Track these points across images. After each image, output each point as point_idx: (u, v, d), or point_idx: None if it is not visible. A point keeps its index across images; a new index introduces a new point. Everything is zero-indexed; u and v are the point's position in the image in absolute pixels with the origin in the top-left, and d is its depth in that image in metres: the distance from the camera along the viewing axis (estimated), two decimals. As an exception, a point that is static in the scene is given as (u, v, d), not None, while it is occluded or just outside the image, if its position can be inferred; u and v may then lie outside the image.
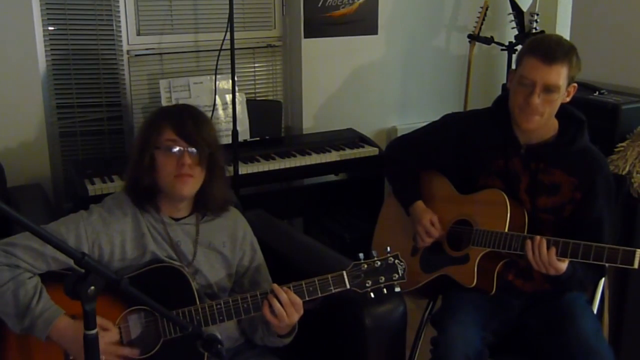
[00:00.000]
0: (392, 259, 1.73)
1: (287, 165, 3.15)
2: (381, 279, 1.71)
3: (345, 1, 3.58)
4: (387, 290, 1.72)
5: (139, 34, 3.24)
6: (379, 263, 1.72)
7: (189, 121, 1.73)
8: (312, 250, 2.22)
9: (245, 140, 3.22)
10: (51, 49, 3.04)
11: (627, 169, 2.51)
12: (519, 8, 3.65)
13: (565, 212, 2.05)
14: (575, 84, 2.01)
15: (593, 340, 1.93)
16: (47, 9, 2.99)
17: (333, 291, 1.70)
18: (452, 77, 4.02)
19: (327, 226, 3.42)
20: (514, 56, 3.64)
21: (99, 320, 1.30)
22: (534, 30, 3.64)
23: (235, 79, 2.89)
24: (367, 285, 1.71)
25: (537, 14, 3.66)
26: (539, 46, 1.95)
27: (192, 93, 3.14)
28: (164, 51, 3.30)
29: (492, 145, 2.11)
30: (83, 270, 1.26)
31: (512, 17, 3.69)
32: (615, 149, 2.59)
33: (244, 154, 3.13)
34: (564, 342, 1.95)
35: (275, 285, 1.67)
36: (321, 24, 3.55)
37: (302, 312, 1.69)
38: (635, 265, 1.77)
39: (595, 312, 2.16)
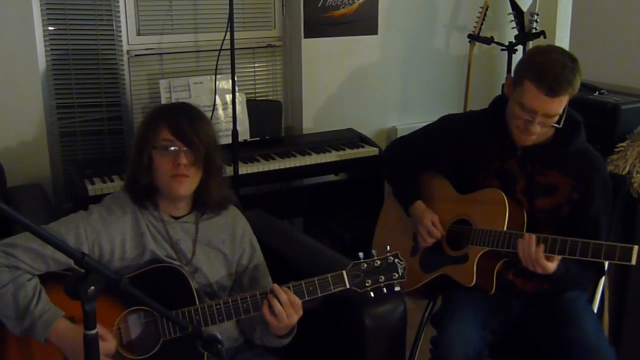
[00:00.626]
0: (392, 258, 1.73)
1: (287, 165, 3.15)
2: (381, 278, 1.71)
3: (345, 1, 3.58)
4: (386, 290, 1.72)
5: (139, 34, 3.24)
6: (379, 262, 1.72)
7: (185, 121, 1.73)
8: (312, 250, 2.22)
9: (245, 140, 3.22)
10: (51, 49, 3.04)
11: (627, 169, 2.51)
12: (519, 8, 3.64)
13: (563, 213, 2.05)
14: None
15: (594, 339, 1.93)
16: (47, 9, 2.99)
17: (333, 291, 1.69)
18: (452, 77, 4.02)
19: (327, 226, 3.42)
20: (514, 56, 3.66)
21: (98, 329, 1.30)
22: (534, 30, 3.64)
23: (235, 79, 2.89)
24: (367, 284, 1.71)
25: (537, 14, 3.66)
26: (544, 77, 1.87)
27: (192, 93, 3.14)
28: (164, 51, 3.30)
29: (489, 147, 2.11)
30: (83, 270, 1.26)
31: (512, 17, 3.69)
32: (615, 149, 2.59)
33: (244, 154, 3.13)
34: (564, 342, 1.95)
35: (276, 285, 1.67)
36: (321, 24, 3.55)
37: (301, 313, 1.68)
38: (633, 262, 1.77)
39: (595, 311, 2.16)
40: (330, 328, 1.97)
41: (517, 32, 3.68)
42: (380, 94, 3.84)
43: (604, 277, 2.20)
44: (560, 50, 1.96)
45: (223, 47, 2.89)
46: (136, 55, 3.22)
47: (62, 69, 3.09)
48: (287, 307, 1.65)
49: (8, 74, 2.86)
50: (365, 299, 1.73)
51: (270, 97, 3.66)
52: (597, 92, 2.83)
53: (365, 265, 1.71)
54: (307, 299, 1.69)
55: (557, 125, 1.95)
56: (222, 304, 1.67)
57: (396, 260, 1.73)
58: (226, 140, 2.96)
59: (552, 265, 1.90)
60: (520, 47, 3.69)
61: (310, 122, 3.67)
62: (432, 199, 2.24)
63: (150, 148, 1.74)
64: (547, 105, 1.90)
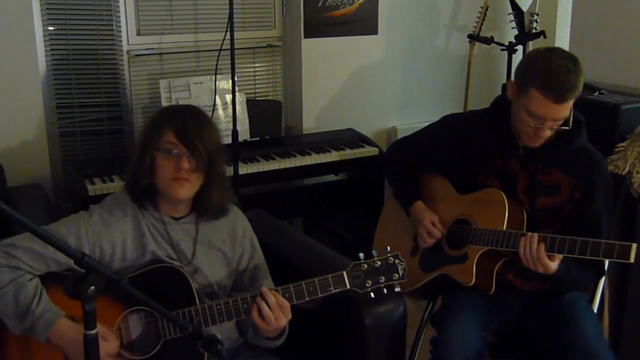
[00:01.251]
0: (392, 259, 1.73)
1: (287, 165, 3.15)
2: (381, 279, 1.71)
3: (345, 1, 3.58)
4: (387, 290, 1.72)
5: (139, 34, 3.24)
6: (379, 263, 1.72)
7: (191, 125, 1.72)
8: (312, 250, 2.22)
9: (245, 140, 3.22)
10: (51, 49, 3.03)
11: (627, 169, 2.51)
12: (519, 8, 3.64)
13: (564, 212, 2.06)
14: None
15: (593, 341, 1.93)
16: (47, 9, 2.99)
17: (333, 291, 1.69)
18: (452, 77, 4.02)
19: (327, 226, 3.42)
20: (514, 56, 3.66)
21: (99, 328, 1.30)
22: (534, 30, 3.64)
23: (235, 79, 2.89)
24: (367, 285, 1.71)
25: (537, 14, 3.66)
26: (550, 84, 1.86)
27: (192, 93, 3.14)
28: (164, 51, 3.30)
29: (490, 146, 2.11)
30: (83, 270, 1.26)
31: (512, 17, 3.69)
32: (615, 149, 2.59)
33: (244, 154, 3.13)
34: (564, 343, 1.95)
35: (264, 288, 1.67)
36: (321, 24, 3.55)
37: (290, 316, 1.68)
38: (632, 260, 1.77)
39: (595, 312, 2.16)
40: (331, 328, 1.97)
41: (517, 32, 3.68)
42: (380, 94, 3.84)
43: (604, 278, 2.20)
44: (561, 52, 1.95)
45: (223, 47, 2.89)
46: (136, 55, 3.22)
47: (62, 69, 3.09)
48: (275, 311, 1.65)
49: (8, 74, 2.86)
50: (365, 300, 1.73)
51: (270, 97, 3.66)
52: (597, 92, 2.83)
53: (366, 265, 1.71)
54: (307, 299, 1.69)
55: (566, 127, 1.96)
56: (222, 305, 1.67)
57: (396, 261, 1.73)
58: (226, 140, 2.95)
59: (553, 264, 1.90)
60: (520, 47, 3.69)
61: (310, 122, 3.67)
62: (432, 199, 2.24)
63: (154, 149, 1.73)
64: (555, 111, 1.90)
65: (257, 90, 3.63)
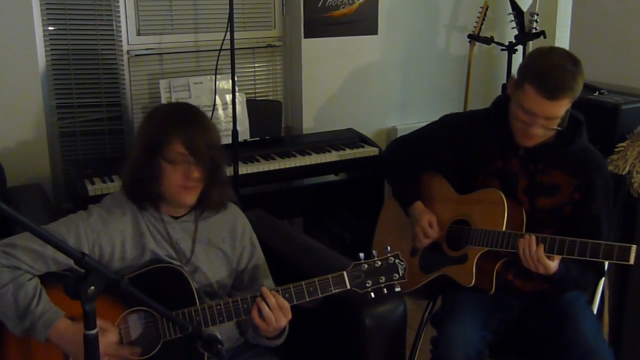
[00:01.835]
0: (393, 259, 1.73)
1: (287, 165, 3.15)
2: (381, 279, 1.71)
3: (345, 1, 3.58)
4: (387, 290, 1.72)
5: (139, 34, 3.24)
6: (380, 263, 1.72)
7: (199, 135, 1.70)
8: (312, 250, 2.22)
9: (245, 140, 3.22)
10: (51, 49, 3.03)
11: (627, 169, 2.51)
12: (519, 8, 3.64)
13: (564, 212, 2.05)
14: None
15: (592, 341, 1.93)
16: (47, 9, 2.99)
17: (333, 291, 1.69)
18: (452, 77, 4.02)
19: (327, 226, 3.42)
20: (514, 56, 3.66)
21: (99, 321, 1.30)
22: (534, 30, 3.64)
23: (235, 79, 2.89)
24: (367, 285, 1.71)
25: (537, 14, 3.66)
26: (544, 81, 1.87)
27: (192, 93, 3.14)
28: (163, 51, 3.30)
29: (490, 146, 2.11)
30: (83, 270, 1.26)
31: (512, 17, 3.69)
32: (615, 149, 2.59)
33: (244, 154, 3.13)
34: (564, 343, 1.95)
35: (264, 289, 1.67)
36: (321, 24, 3.55)
37: (290, 316, 1.68)
38: (631, 261, 1.76)
39: (595, 312, 2.16)
40: (331, 328, 1.97)
41: (517, 32, 3.68)
42: (380, 94, 3.84)
43: (603, 278, 2.20)
44: (563, 52, 1.95)
45: (223, 47, 2.89)
46: (136, 55, 3.22)
47: (62, 69, 3.09)
48: (275, 311, 1.65)
49: (8, 74, 2.86)
50: (365, 300, 1.73)
51: (270, 97, 3.66)
52: (597, 92, 2.83)
53: (366, 266, 1.71)
54: (307, 299, 1.69)
55: (559, 128, 1.95)
56: (222, 305, 1.67)
57: (397, 260, 1.73)
58: (226, 140, 2.96)
59: (553, 264, 1.90)
60: (520, 47, 3.69)
61: (310, 122, 3.67)
62: (431, 200, 2.24)
63: (160, 158, 1.71)
64: (547, 108, 1.90)
65: (257, 90, 3.63)
